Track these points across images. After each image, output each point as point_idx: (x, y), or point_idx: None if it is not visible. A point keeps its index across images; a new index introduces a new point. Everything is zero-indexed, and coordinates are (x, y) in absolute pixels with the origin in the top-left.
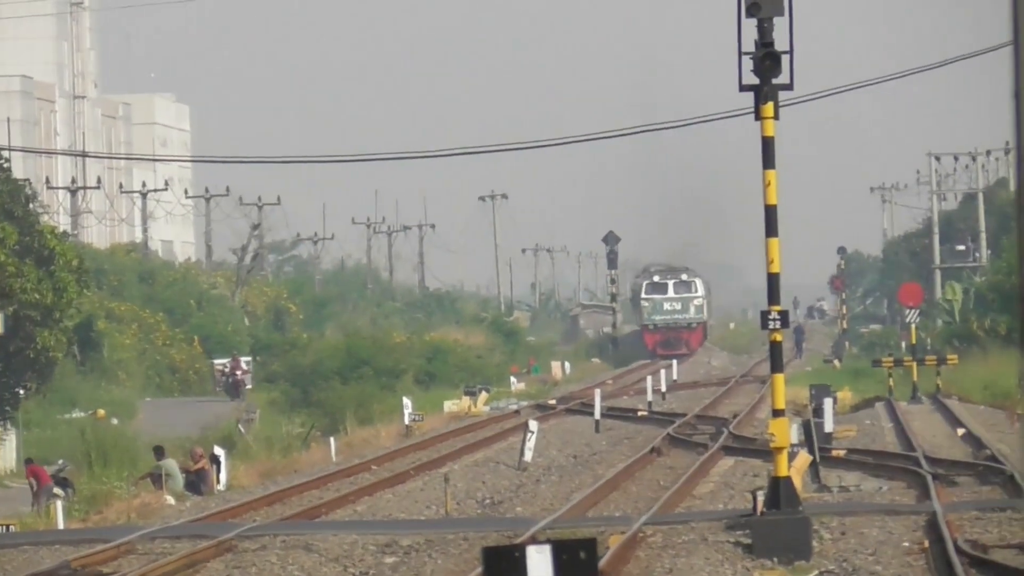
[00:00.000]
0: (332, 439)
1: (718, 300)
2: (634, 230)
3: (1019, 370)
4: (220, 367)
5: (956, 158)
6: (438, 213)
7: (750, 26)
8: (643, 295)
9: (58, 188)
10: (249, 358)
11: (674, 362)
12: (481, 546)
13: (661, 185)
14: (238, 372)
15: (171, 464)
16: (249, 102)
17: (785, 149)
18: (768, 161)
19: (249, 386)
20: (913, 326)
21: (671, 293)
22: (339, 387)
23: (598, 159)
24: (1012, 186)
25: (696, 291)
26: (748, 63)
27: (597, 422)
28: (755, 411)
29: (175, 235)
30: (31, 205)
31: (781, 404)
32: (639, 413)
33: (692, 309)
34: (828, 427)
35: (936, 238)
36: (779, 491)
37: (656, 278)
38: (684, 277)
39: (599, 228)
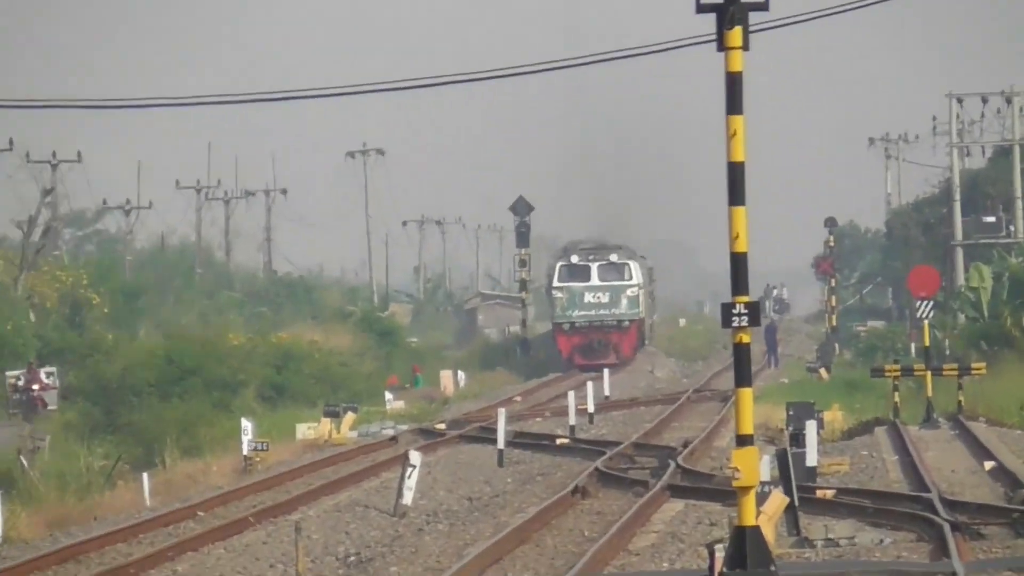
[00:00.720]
0: (146, 475)
1: (664, 289)
2: (553, 198)
3: None
4: (12, 379)
5: (984, 100)
6: (292, 175)
7: None
8: (555, 282)
9: None
10: (53, 369)
11: (606, 373)
12: None
13: (590, 139)
14: (35, 387)
15: None
16: (45, 33)
17: (758, 90)
18: (734, 105)
19: (53, 406)
20: (926, 323)
21: (595, 280)
22: (156, 405)
23: (506, 105)
24: None
25: (630, 277)
26: None
27: (501, 453)
28: (713, 438)
29: None
30: None
31: (748, 428)
32: (558, 441)
33: (624, 302)
34: (811, 459)
35: (957, 206)
36: (745, 545)
37: (575, 259)
38: (614, 258)
39: (505, 195)
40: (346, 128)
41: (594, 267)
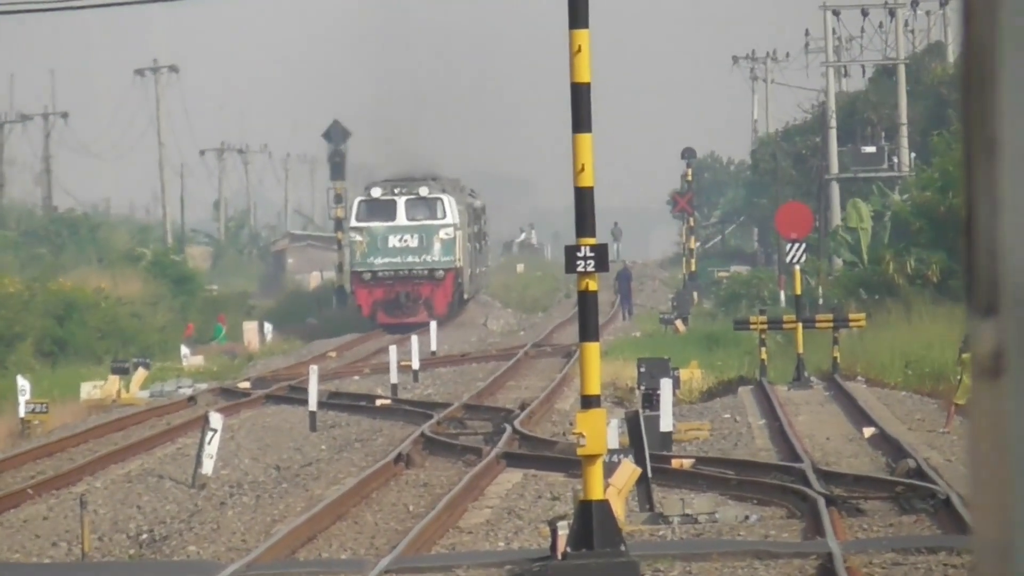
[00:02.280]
0: None
1: (498, 228)
2: (372, 123)
3: (963, 334)
4: None
5: (865, 13)
6: (73, 97)
7: None
8: (353, 222)
9: None
10: None
11: (432, 327)
12: None
13: (412, 56)
14: None
15: None
16: None
17: (606, 1)
18: (578, 17)
19: None
20: (797, 269)
21: (401, 219)
22: None
23: (317, 15)
24: (954, 51)
25: (444, 215)
26: None
27: (313, 415)
28: (554, 398)
29: None
30: None
31: (595, 388)
32: (378, 402)
33: (437, 246)
34: (666, 424)
35: (833, 134)
36: (591, 522)
37: (376, 193)
38: (424, 192)
39: (319, 119)
40: (134, 43)
41: (400, 203)
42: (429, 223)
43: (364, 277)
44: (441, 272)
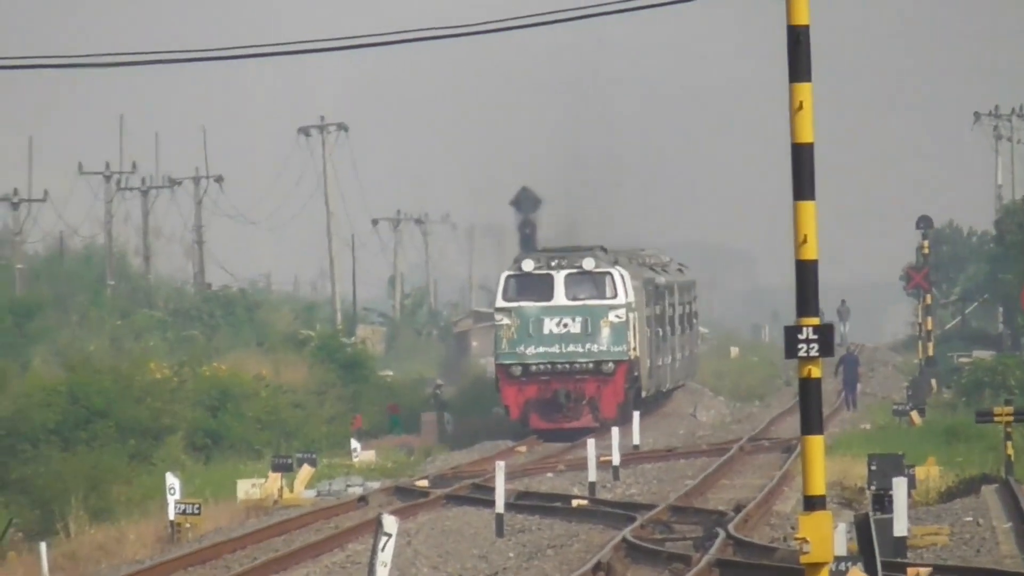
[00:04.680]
0: (44, 545)
1: (709, 308)
2: (563, 193)
3: None
4: None
5: None
6: (228, 158)
7: None
8: (499, 302)
9: None
10: None
11: (635, 419)
12: None
13: (607, 114)
14: None
15: None
16: None
17: (828, 51)
18: (799, 70)
19: None
20: None
21: (560, 298)
22: (57, 456)
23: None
24: None
25: (613, 294)
26: None
27: (500, 518)
28: (773, 499)
29: None
30: None
31: (819, 488)
32: (574, 503)
33: (605, 332)
34: (900, 528)
35: None
36: None
37: (528, 266)
38: (589, 265)
39: (507, 186)
40: (297, 99)
41: (559, 278)
42: (595, 303)
43: (512, 371)
44: (610, 364)
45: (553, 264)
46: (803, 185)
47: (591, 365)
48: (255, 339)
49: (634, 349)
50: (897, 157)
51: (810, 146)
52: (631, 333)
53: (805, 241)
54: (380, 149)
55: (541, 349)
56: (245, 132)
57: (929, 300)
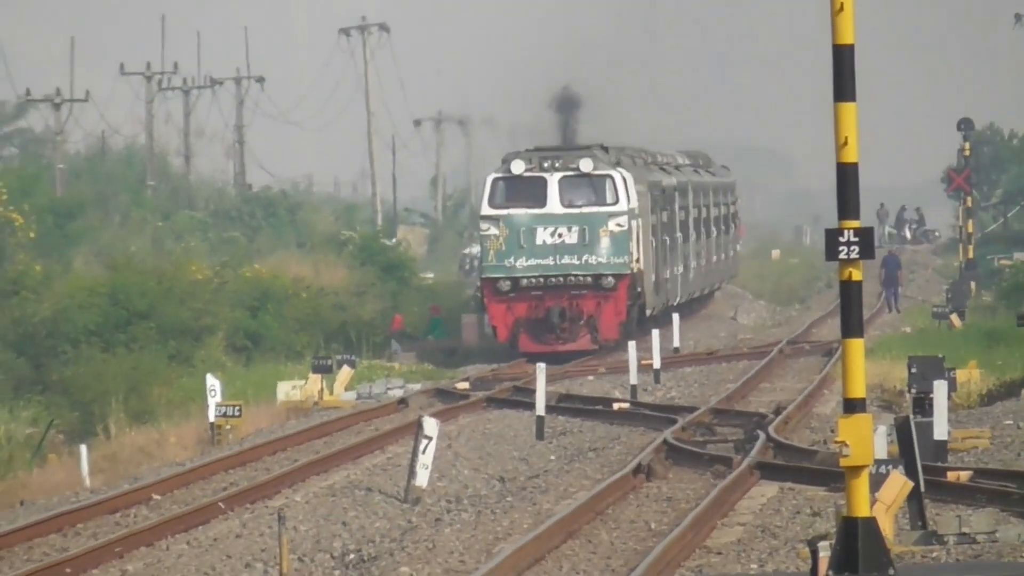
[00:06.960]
0: (84, 447)
1: (751, 211)
2: (604, 94)
3: None
4: None
5: None
6: (270, 59)
7: None
8: (485, 208)
9: None
10: None
11: (675, 320)
12: None
13: (655, 12)
14: None
15: None
16: None
17: None
18: None
19: None
20: None
21: (554, 205)
22: (97, 357)
23: None
24: None
25: (613, 199)
26: None
27: (541, 421)
28: (813, 402)
29: None
30: None
31: (859, 391)
32: (615, 406)
33: (604, 243)
34: (941, 432)
35: None
36: (856, 542)
37: (518, 168)
38: (587, 167)
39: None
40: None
41: (552, 182)
42: (593, 210)
43: (500, 287)
44: (611, 279)
45: (546, 166)
46: (844, 87)
47: (589, 279)
48: (296, 241)
49: (637, 261)
50: (938, 59)
51: (851, 48)
52: (634, 243)
53: (846, 143)
54: (422, 49)
55: (533, 261)
56: (287, 33)
57: (970, 203)
